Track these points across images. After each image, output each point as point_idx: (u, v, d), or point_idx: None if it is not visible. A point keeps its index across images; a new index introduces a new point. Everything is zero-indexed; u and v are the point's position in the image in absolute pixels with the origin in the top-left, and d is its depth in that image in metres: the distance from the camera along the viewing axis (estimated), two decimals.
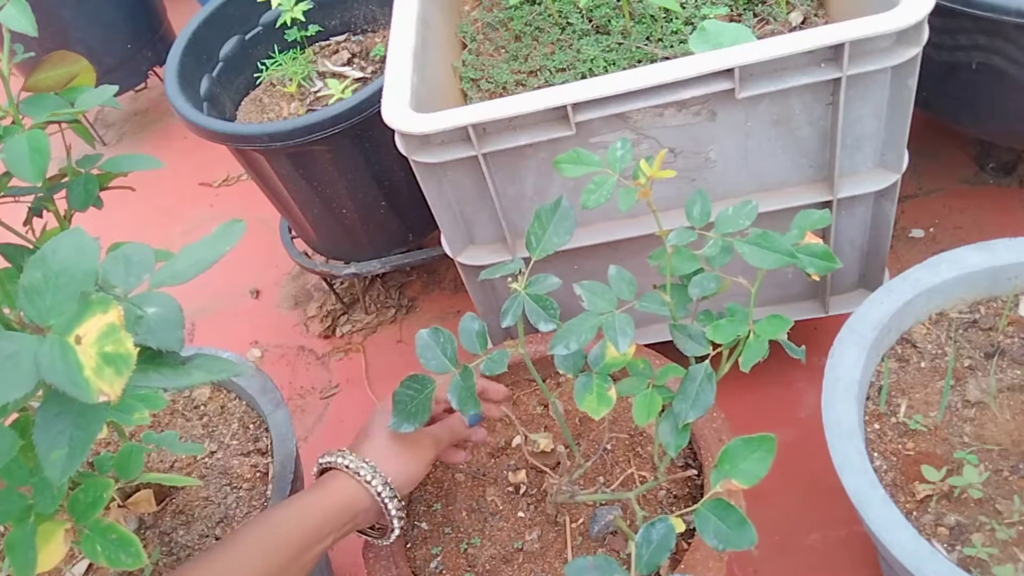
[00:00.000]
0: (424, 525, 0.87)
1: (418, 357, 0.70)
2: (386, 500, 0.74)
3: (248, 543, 0.68)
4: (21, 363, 0.40)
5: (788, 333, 0.61)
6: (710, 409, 0.85)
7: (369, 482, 0.73)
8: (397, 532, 0.76)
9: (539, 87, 1.05)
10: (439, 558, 0.84)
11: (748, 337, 0.60)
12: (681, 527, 0.60)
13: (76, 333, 0.41)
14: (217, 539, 0.89)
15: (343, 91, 1.25)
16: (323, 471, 0.77)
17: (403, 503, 0.76)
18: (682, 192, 0.94)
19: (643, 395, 0.65)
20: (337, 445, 0.77)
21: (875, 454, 0.81)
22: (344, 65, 1.35)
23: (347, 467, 0.74)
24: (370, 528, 0.79)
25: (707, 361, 0.62)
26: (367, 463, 0.74)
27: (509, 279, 0.66)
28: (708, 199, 0.64)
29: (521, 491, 0.87)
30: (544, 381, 0.95)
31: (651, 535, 0.58)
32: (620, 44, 1.04)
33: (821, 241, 0.62)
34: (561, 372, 0.69)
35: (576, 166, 0.64)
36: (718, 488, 0.58)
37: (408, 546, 0.86)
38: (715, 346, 0.63)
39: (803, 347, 0.63)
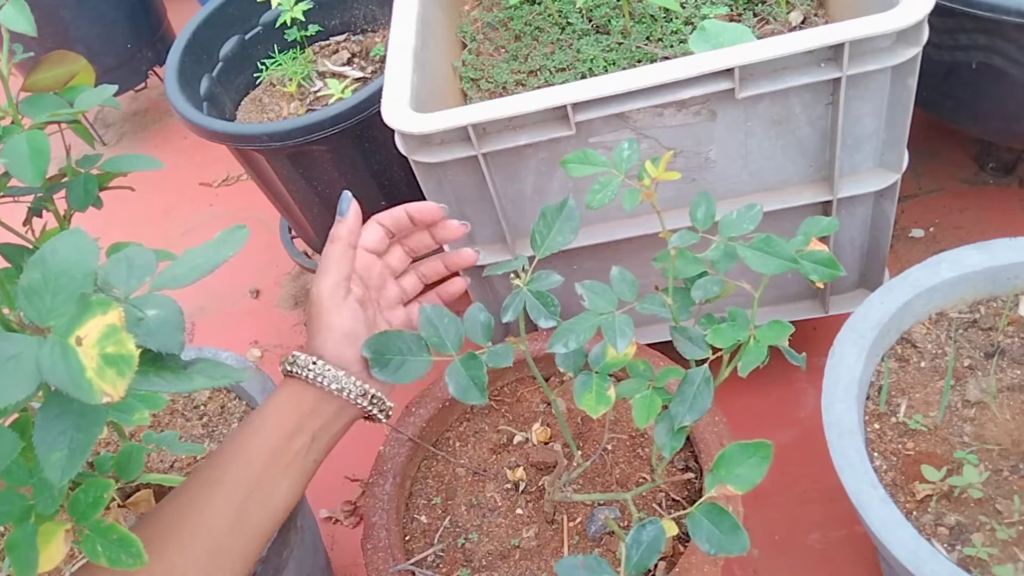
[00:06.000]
0: (423, 519, 0.88)
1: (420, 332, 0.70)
2: (320, 382, 0.67)
3: (215, 466, 0.66)
4: (23, 365, 0.40)
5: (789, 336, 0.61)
6: (711, 413, 0.85)
7: (294, 370, 0.68)
8: (378, 413, 0.70)
9: (539, 87, 1.05)
10: (437, 552, 0.84)
11: (748, 342, 0.60)
12: (674, 530, 0.59)
13: (77, 334, 0.41)
14: None
15: (343, 91, 1.25)
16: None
17: (359, 380, 0.68)
18: (682, 192, 0.94)
19: (643, 397, 0.65)
20: (336, 445, 0.75)
21: (875, 454, 0.81)
22: (344, 65, 1.35)
23: (281, 365, 0.69)
24: (366, 418, 0.72)
25: (706, 365, 0.62)
26: (291, 355, 0.68)
27: (512, 275, 0.66)
28: (712, 201, 0.64)
29: (520, 488, 0.88)
30: (547, 380, 0.96)
31: (641, 536, 0.58)
32: (620, 44, 1.04)
33: (826, 248, 0.61)
34: (562, 371, 0.69)
35: (583, 166, 0.64)
36: (713, 493, 0.58)
37: (407, 539, 0.86)
38: (715, 350, 0.62)
39: (803, 354, 0.63)
